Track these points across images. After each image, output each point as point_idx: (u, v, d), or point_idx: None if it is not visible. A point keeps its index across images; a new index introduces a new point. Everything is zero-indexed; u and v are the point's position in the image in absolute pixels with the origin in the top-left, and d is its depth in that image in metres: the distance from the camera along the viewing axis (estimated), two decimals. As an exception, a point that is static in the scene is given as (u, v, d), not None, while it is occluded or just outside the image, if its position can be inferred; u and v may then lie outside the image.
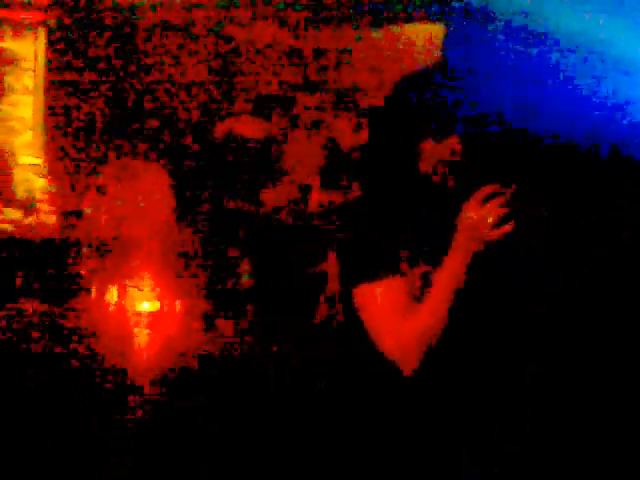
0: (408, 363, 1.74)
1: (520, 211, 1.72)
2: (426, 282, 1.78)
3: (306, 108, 4.30)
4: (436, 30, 4.08)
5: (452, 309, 1.73)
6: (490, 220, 1.68)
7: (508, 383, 2.03)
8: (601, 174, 3.15)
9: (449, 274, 1.74)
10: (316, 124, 4.31)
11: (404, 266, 1.77)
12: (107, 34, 4.25)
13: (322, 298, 3.84)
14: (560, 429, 2.83)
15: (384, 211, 1.81)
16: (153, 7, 4.31)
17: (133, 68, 4.31)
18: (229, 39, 4.35)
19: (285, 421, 3.38)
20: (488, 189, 1.70)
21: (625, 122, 3.12)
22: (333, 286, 3.90)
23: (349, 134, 4.19)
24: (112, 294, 3.83)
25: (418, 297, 1.76)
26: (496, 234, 1.69)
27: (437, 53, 4.07)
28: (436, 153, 1.77)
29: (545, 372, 2.76)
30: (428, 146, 1.77)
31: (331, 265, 3.92)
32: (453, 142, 1.78)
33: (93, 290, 3.85)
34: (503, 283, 1.92)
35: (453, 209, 1.74)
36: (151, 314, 3.82)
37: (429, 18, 4.06)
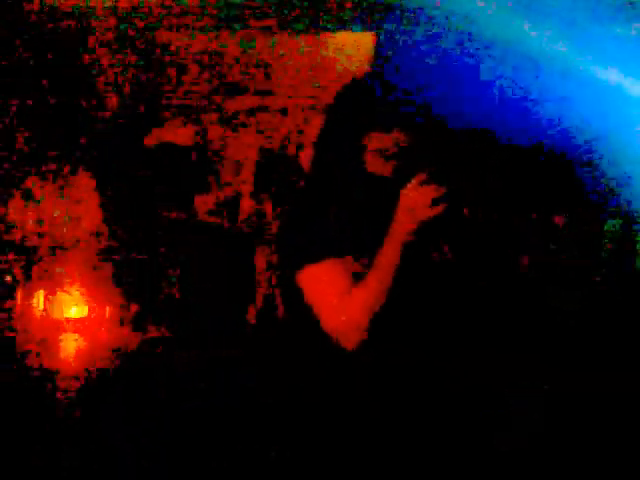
0: (350, 338, 1.86)
1: (454, 193, 1.89)
2: (366, 262, 1.90)
3: (238, 114, 4.30)
4: (366, 37, 4.14)
5: (392, 286, 1.87)
6: (426, 200, 1.82)
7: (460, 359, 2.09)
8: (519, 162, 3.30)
9: (389, 252, 1.89)
10: (248, 131, 4.31)
11: (345, 248, 1.91)
12: (32, 39, 4.20)
13: (253, 299, 3.83)
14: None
15: (327, 198, 1.96)
16: (81, 14, 4.28)
17: (61, 75, 4.26)
18: (160, 46, 4.34)
19: (218, 424, 3.35)
20: (425, 173, 1.87)
21: (538, 116, 3.30)
22: (264, 287, 3.89)
23: (281, 140, 4.21)
24: (39, 300, 3.75)
25: (359, 276, 1.88)
26: (431, 213, 1.85)
27: (368, 59, 4.13)
28: (380, 145, 1.94)
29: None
30: (373, 140, 1.94)
31: (260, 267, 3.92)
32: (396, 135, 1.96)
33: (20, 296, 3.77)
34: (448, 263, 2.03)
35: (390, 195, 1.89)
36: (79, 319, 3.75)
37: (359, 25, 4.12)
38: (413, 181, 1.86)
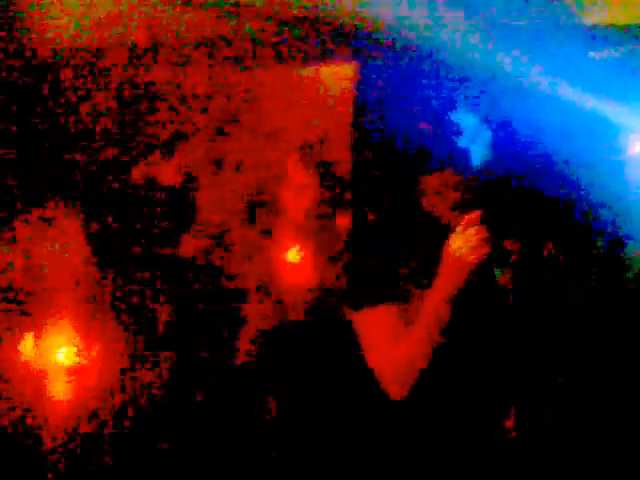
0: (397, 387, 1.83)
1: (498, 236, 1.85)
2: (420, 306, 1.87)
3: (224, 150, 4.29)
4: (348, 69, 4.14)
5: (440, 334, 1.81)
6: (470, 244, 1.80)
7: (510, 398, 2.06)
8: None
9: (435, 300, 1.84)
10: (235, 166, 4.30)
11: (403, 292, 1.88)
12: (16, 77, 4.19)
13: (244, 339, 3.80)
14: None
15: (388, 240, 1.94)
16: (64, 50, 4.26)
17: (44, 112, 4.24)
18: (144, 83, 4.33)
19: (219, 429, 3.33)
20: (470, 217, 1.83)
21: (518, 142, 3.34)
22: (254, 327, 3.87)
23: (268, 175, 4.20)
24: (26, 344, 3.71)
25: (412, 322, 1.85)
26: (475, 257, 1.80)
27: (350, 92, 4.13)
28: (436, 186, 1.92)
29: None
30: (429, 181, 1.92)
31: (254, 306, 3.90)
32: (449, 175, 1.93)
33: (5, 340, 3.73)
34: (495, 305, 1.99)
35: (443, 235, 1.87)
36: (69, 363, 3.71)
37: (341, 58, 4.12)
38: (458, 226, 1.83)
